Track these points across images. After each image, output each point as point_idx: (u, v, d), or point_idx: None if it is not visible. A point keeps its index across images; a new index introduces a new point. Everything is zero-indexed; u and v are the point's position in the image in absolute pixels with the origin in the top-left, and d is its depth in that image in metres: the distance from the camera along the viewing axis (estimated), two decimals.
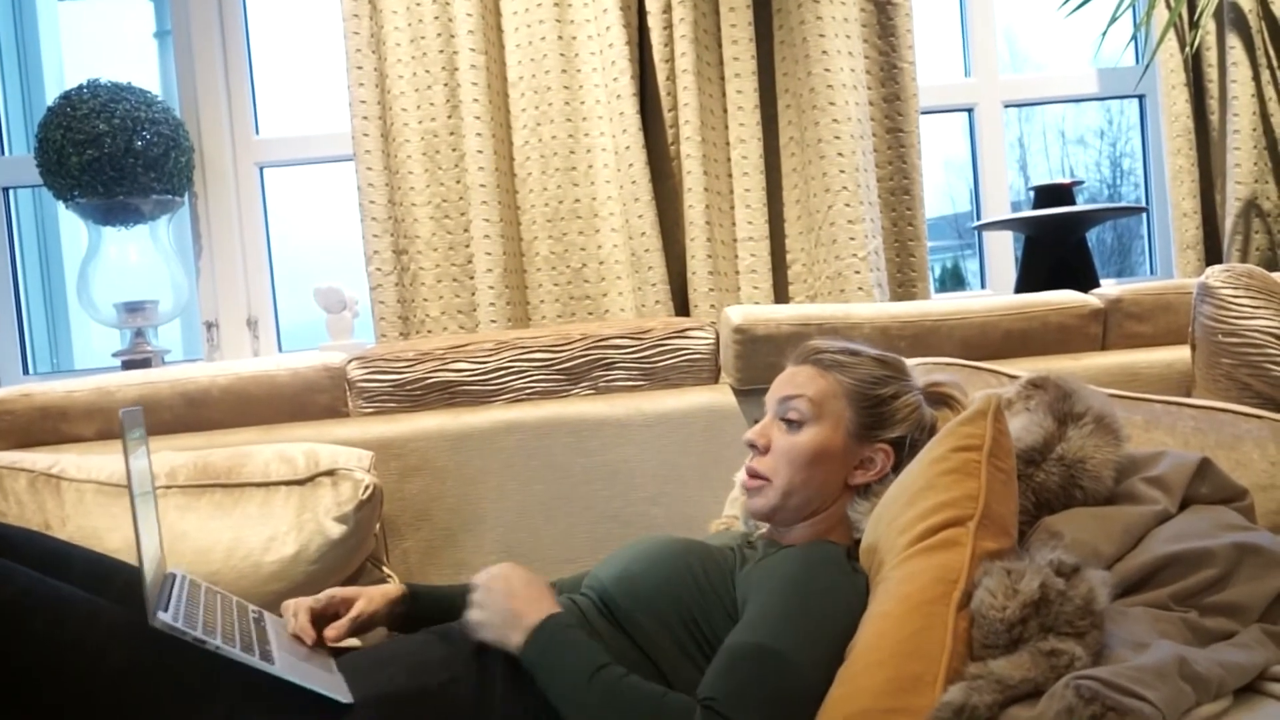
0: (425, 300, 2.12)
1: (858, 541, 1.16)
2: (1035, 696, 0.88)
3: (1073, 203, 2.17)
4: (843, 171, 2.09)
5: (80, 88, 2.17)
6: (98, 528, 1.48)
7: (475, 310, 2.11)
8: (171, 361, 2.27)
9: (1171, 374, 1.70)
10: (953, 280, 2.96)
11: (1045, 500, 1.17)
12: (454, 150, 2.12)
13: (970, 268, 2.82)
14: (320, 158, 2.41)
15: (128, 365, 2.15)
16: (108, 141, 2.10)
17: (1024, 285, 2.19)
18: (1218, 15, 2.24)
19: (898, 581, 1.00)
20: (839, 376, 1.20)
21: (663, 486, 1.71)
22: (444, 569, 1.68)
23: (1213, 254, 2.33)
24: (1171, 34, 2.27)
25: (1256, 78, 2.22)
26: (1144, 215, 2.59)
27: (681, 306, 2.16)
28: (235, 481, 1.53)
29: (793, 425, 1.18)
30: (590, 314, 2.15)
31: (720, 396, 1.75)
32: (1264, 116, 2.23)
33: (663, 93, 2.12)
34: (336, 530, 1.50)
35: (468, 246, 2.12)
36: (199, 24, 2.34)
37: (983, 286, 2.55)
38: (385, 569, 1.62)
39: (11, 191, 2.44)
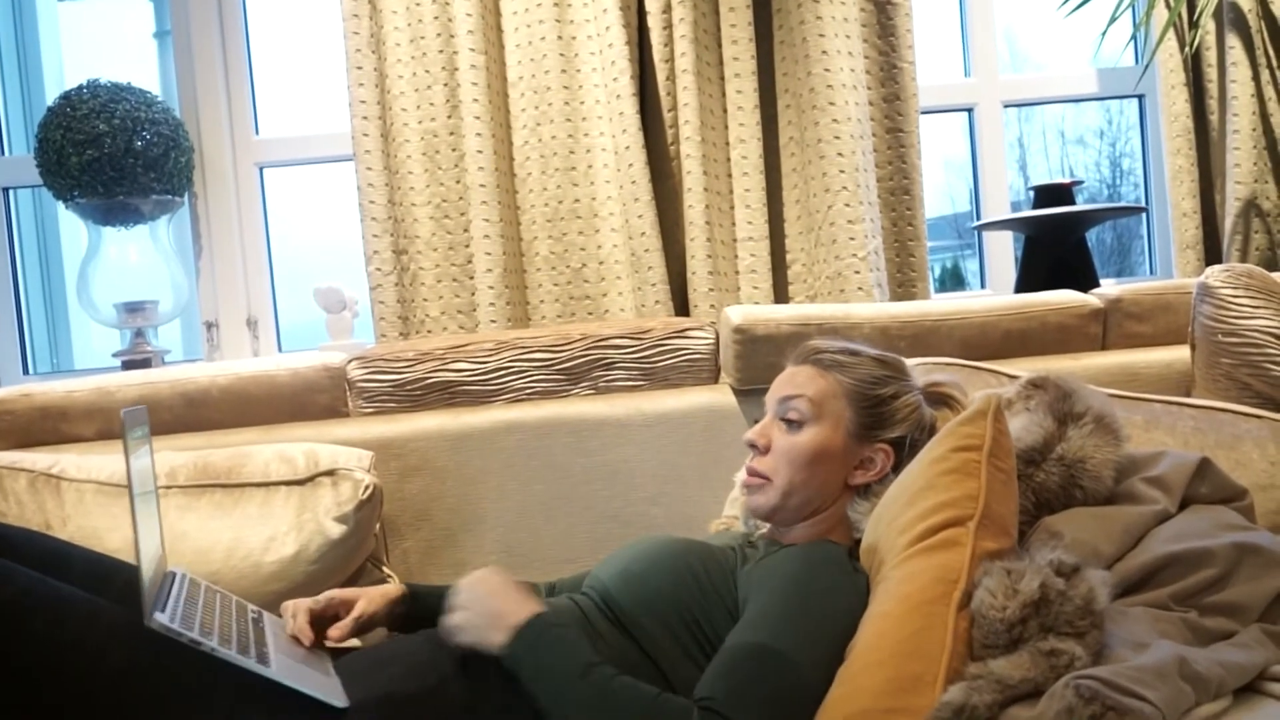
0: (425, 300, 2.12)
1: (858, 541, 1.16)
2: (1035, 696, 0.88)
3: (1072, 203, 2.17)
4: (843, 171, 2.09)
5: (80, 88, 2.17)
6: (98, 528, 1.48)
7: (475, 310, 2.11)
8: (171, 361, 2.27)
9: (1171, 374, 1.70)
10: (953, 280, 2.96)
11: (1045, 500, 1.17)
12: (454, 150, 2.13)
13: (970, 268, 2.82)
14: (320, 158, 2.41)
15: (128, 365, 2.15)
16: (108, 141, 2.10)
17: (1024, 285, 2.20)
18: (1217, 15, 2.24)
19: (898, 581, 1.00)
20: (839, 376, 1.20)
21: (663, 486, 1.71)
22: (444, 569, 1.68)
23: (1212, 254, 2.33)
24: (1171, 34, 2.27)
25: (1256, 78, 2.22)
26: (1144, 215, 2.59)
27: (681, 306, 2.16)
28: (235, 481, 1.53)
29: (793, 425, 1.19)
30: (590, 314, 2.15)
31: (720, 396, 1.75)
32: (1264, 116, 2.23)
33: (663, 93, 2.12)
34: (336, 530, 1.50)
35: (468, 246, 2.12)
36: (199, 24, 2.34)
37: (982, 286, 2.55)
38: (385, 569, 1.62)
39: (11, 191, 2.44)
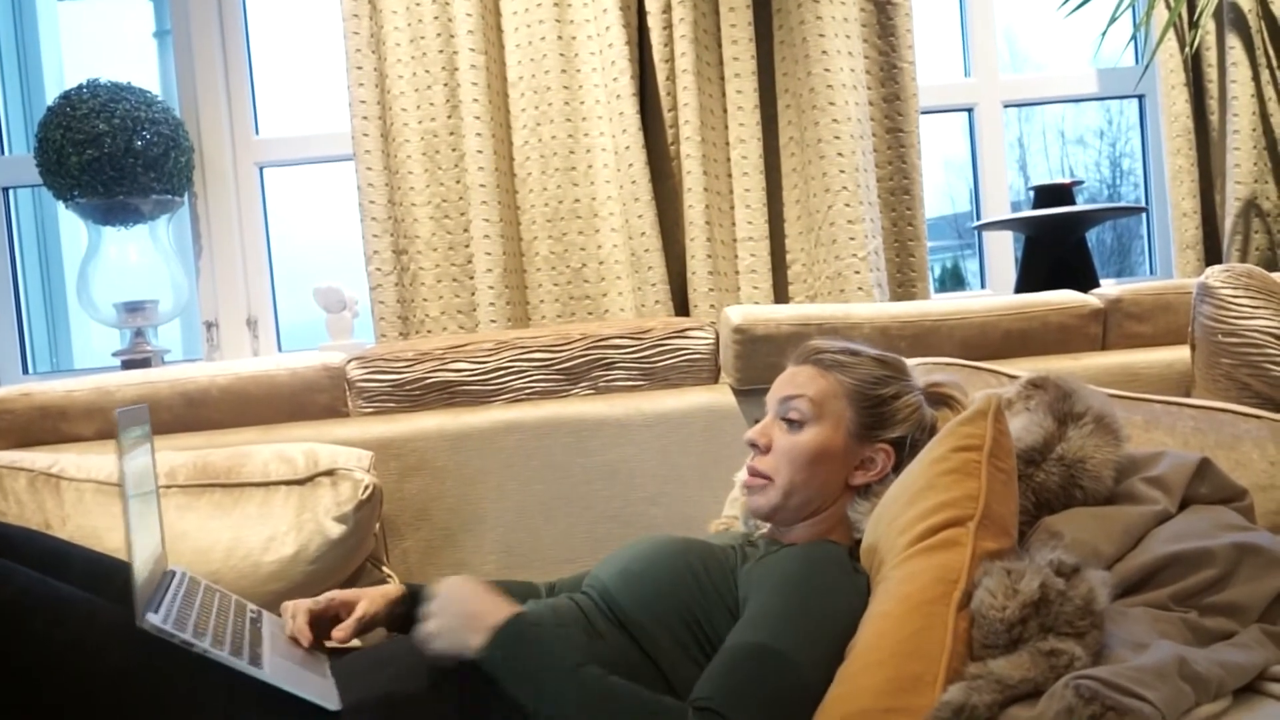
0: (425, 300, 2.12)
1: (858, 541, 1.16)
2: (1035, 696, 0.88)
3: (1072, 203, 2.17)
4: (843, 171, 2.09)
5: (80, 87, 2.17)
6: (97, 527, 1.48)
7: (475, 310, 2.11)
8: (171, 361, 2.27)
9: (1171, 374, 1.70)
10: (953, 280, 2.96)
11: (1045, 500, 1.17)
12: (454, 150, 2.13)
13: (970, 268, 2.82)
14: (320, 158, 2.41)
15: (127, 365, 2.15)
16: (107, 141, 2.10)
17: (1024, 285, 2.19)
18: (1217, 15, 2.24)
19: (898, 581, 1.00)
20: (840, 376, 1.20)
21: (662, 486, 1.71)
22: (444, 569, 1.68)
23: (1212, 254, 2.33)
24: (1171, 34, 2.27)
25: (1256, 78, 2.22)
26: (1144, 215, 2.59)
27: (681, 306, 2.16)
28: (235, 481, 1.53)
29: (794, 425, 1.19)
30: (590, 314, 2.15)
31: (720, 396, 1.75)
32: (1264, 116, 2.23)
33: (663, 93, 2.12)
34: (336, 530, 1.50)
35: (468, 246, 2.12)
36: (199, 24, 2.34)
37: (982, 286, 2.55)
38: (385, 569, 1.62)
39: (11, 191, 2.44)
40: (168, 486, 1.52)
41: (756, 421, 1.24)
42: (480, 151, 2.06)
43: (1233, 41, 2.22)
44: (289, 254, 2.45)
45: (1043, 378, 1.27)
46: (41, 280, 2.64)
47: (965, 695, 0.88)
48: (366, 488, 1.53)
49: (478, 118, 2.06)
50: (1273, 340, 1.48)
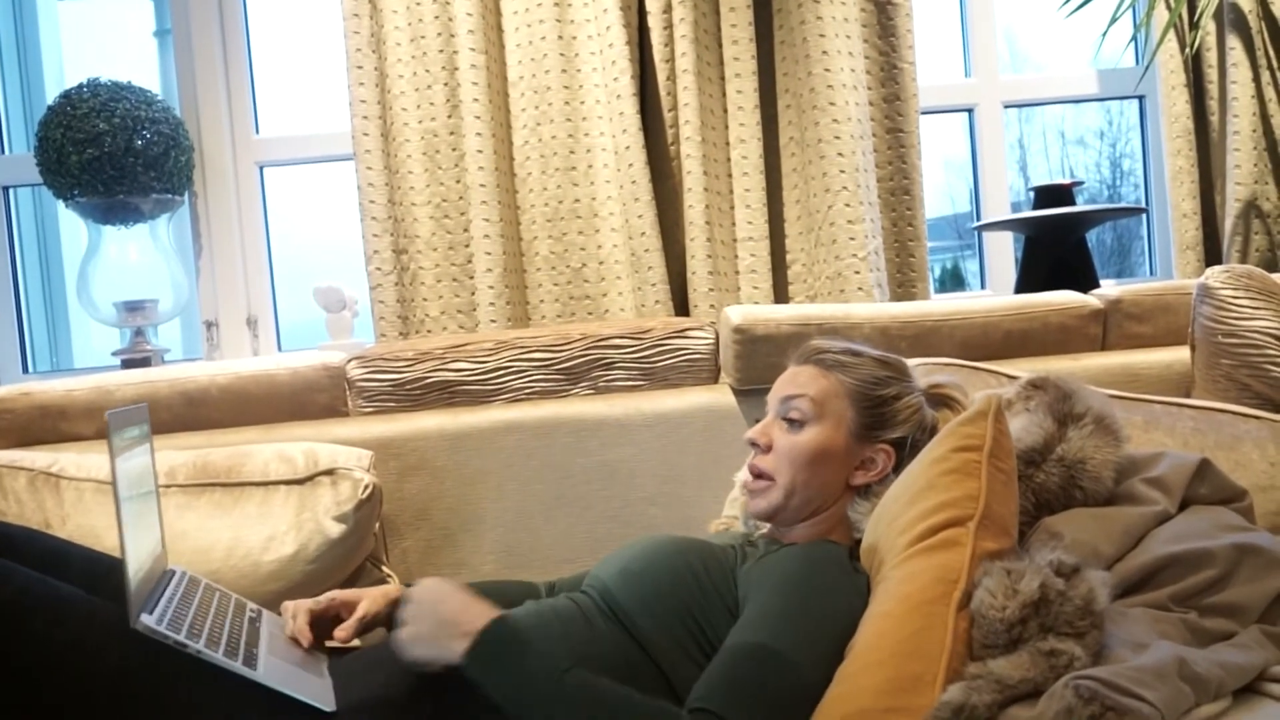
0: (425, 300, 2.12)
1: (858, 541, 1.16)
2: (1035, 696, 0.88)
3: (1072, 203, 2.17)
4: (843, 171, 2.09)
5: (80, 87, 2.17)
6: (96, 526, 1.48)
7: (475, 310, 2.11)
8: (171, 361, 2.27)
9: (1171, 375, 1.70)
10: (953, 281, 2.96)
11: (1045, 501, 1.17)
12: (454, 150, 2.13)
13: (970, 268, 2.82)
14: (320, 157, 2.41)
15: (127, 364, 2.15)
16: (108, 140, 2.10)
17: (1024, 286, 2.19)
18: (1218, 16, 2.24)
19: (898, 581, 1.00)
20: (841, 377, 1.20)
21: (662, 486, 1.71)
22: (443, 569, 1.68)
23: (1212, 255, 2.33)
24: (1171, 35, 2.27)
25: (1256, 79, 2.22)
26: (1144, 216, 2.59)
27: (681, 306, 2.16)
28: (234, 481, 1.53)
29: (794, 425, 1.19)
30: (590, 314, 2.15)
31: (720, 396, 1.75)
32: (1264, 117, 2.23)
33: (663, 93, 2.12)
34: (336, 530, 1.50)
35: (468, 246, 2.12)
36: (199, 23, 2.34)
37: (982, 287, 2.55)
38: (385, 569, 1.62)
39: (11, 190, 2.44)
40: (167, 486, 1.52)
41: (756, 421, 1.24)
42: (480, 151, 2.06)
43: (1233, 42, 2.22)
44: (289, 254, 2.45)
45: (1043, 378, 1.27)
46: (41, 279, 2.64)
47: (965, 695, 0.88)
48: (366, 487, 1.53)
49: (478, 117, 2.06)
50: (1273, 341, 1.48)
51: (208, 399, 1.73)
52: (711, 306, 2.07)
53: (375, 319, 2.14)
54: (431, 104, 2.11)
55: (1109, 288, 1.89)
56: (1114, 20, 2.18)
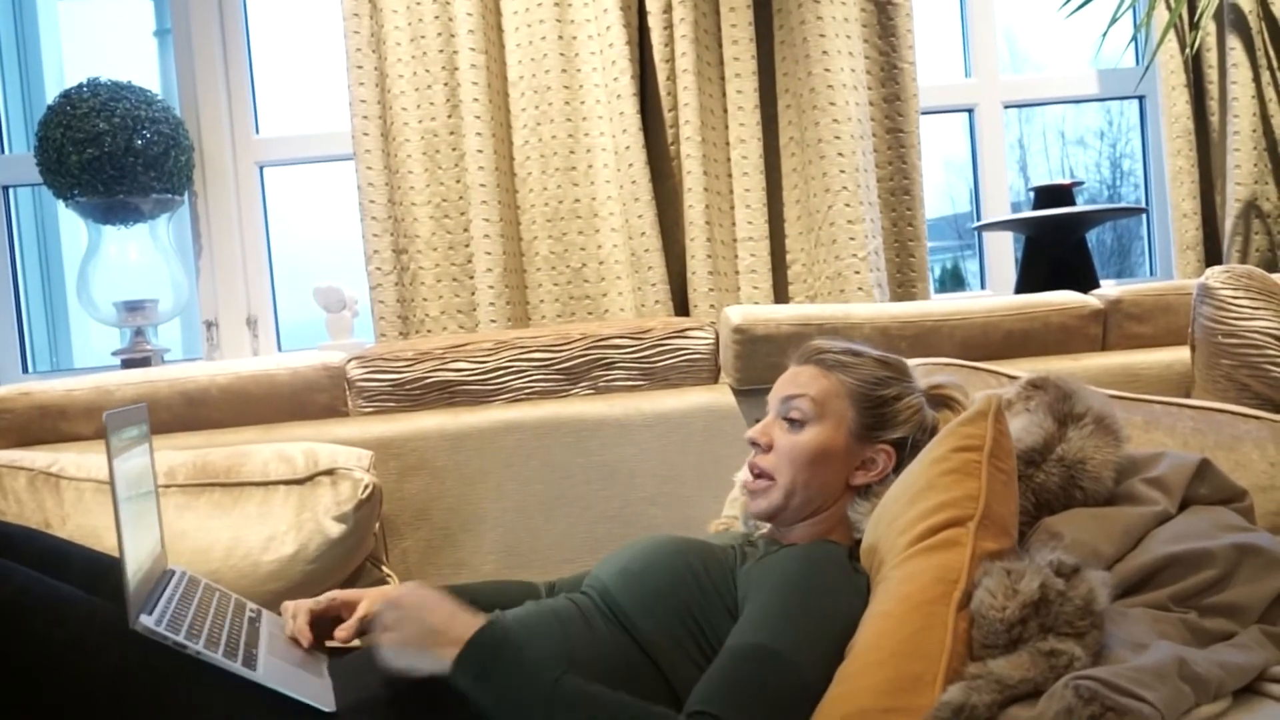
0: (425, 300, 2.12)
1: (858, 542, 1.16)
2: (1035, 696, 0.88)
3: (1072, 203, 2.17)
4: (843, 171, 2.09)
5: (80, 86, 2.17)
6: (96, 526, 1.48)
7: (475, 310, 2.11)
8: (171, 360, 2.27)
9: (1171, 375, 1.70)
10: (953, 281, 2.96)
11: (1045, 501, 1.17)
12: (454, 150, 2.12)
13: (970, 268, 2.82)
14: (320, 157, 2.41)
15: (127, 364, 2.15)
16: (108, 140, 2.10)
17: (1024, 286, 2.19)
18: (1218, 16, 2.24)
19: (898, 581, 1.00)
20: (842, 377, 1.20)
21: (662, 486, 1.71)
22: (443, 569, 1.68)
23: (1212, 255, 2.33)
24: (1172, 35, 2.27)
25: (1257, 79, 2.22)
26: (1144, 216, 2.59)
27: (681, 306, 2.16)
28: (234, 481, 1.53)
29: (795, 425, 1.19)
30: (590, 314, 2.15)
31: (720, 396, 1.75)
32: (1264, 118, 2.23)
33: (663, 93, 2.12)
34: (336, 530, 1.50)
35: (468, 246, 2.12)
36: (199, 23, 2.34)
37: (983, 287, 2.55)
38: (385, 569, 1.62)
39: (11, 190, 2.44)
40: (167, 486, 1.52)
41: (756, 421, 1.24)
42: (480, 151, 2.06)
43: (1233, 43, 2.22)
44: (289, 254, 2.45)
45: (1043, 378, 1.27)
46: (41, 279, 2.64)
47: (965, 695, 0.88)
48: (366, 487, 1.53)
49: (478, 117, 2.06)
50: (1273, 341, 1.48)
51: (207, 399, 1.73)
52: (711, 306, 2.07)
53: (375, 319, 2.14)
54: (431, 104, 2.11)
55: (1109, 288, 1.89)
56: (1114, 20, 2.18)
